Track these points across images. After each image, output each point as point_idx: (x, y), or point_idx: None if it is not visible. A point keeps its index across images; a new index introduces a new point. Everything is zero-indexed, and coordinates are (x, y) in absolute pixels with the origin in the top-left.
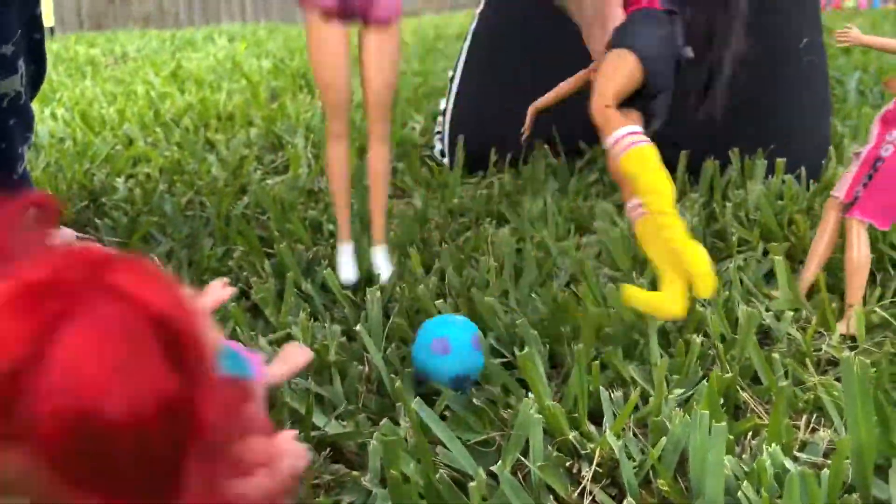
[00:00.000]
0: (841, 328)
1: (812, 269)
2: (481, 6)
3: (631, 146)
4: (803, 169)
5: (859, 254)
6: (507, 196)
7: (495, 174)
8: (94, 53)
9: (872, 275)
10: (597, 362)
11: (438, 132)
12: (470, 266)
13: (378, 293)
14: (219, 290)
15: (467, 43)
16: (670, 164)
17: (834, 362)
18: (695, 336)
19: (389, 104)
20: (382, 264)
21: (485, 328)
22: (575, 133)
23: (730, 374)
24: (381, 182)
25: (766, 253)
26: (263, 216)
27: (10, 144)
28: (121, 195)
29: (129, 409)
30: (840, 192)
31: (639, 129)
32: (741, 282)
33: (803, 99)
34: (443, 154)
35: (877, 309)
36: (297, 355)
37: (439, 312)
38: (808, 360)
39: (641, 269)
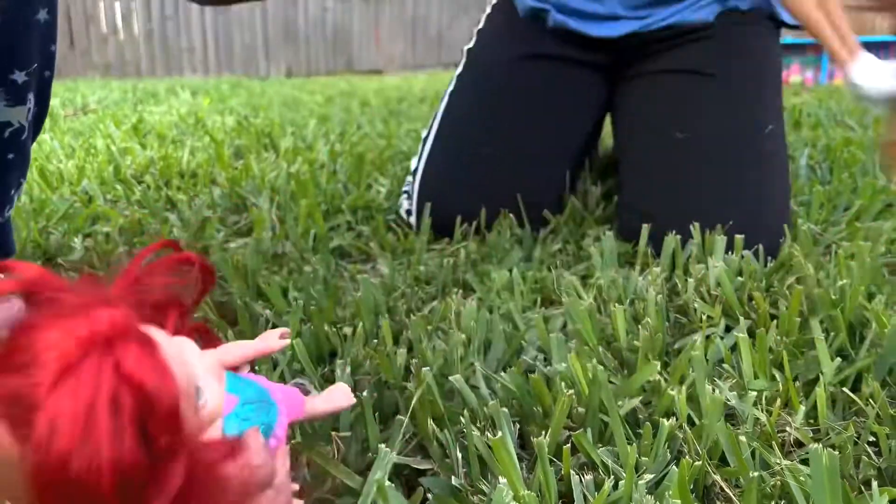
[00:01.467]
0: None
1: None
2: (460, 69)
3: None
4: (761, 246)
5: None
6: (474, 265)
7: (461, 241)
8: (53, 104)
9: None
10: (567, 446)
11: (406, 191)
12: (437, 338)
13: (347, 367)
14: (274, 340)
15: (443, 105)
16: (637, 233)
17: (798, 443)
18: (663, 419)
19: None
20: None
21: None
22: (541, 202)
23: (699, 463)
24: None
25: (728, 329)
26: (226, 282)
27: (4, 181)
28: (77, 255)
29: (87, 468)
30: None
31: None
32: (706, 360)
33: (765, 177)
34: (409, 213)
35: (845, 390)
36: (341, 398)
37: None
38: (773, 443)
39: (608, 343)
